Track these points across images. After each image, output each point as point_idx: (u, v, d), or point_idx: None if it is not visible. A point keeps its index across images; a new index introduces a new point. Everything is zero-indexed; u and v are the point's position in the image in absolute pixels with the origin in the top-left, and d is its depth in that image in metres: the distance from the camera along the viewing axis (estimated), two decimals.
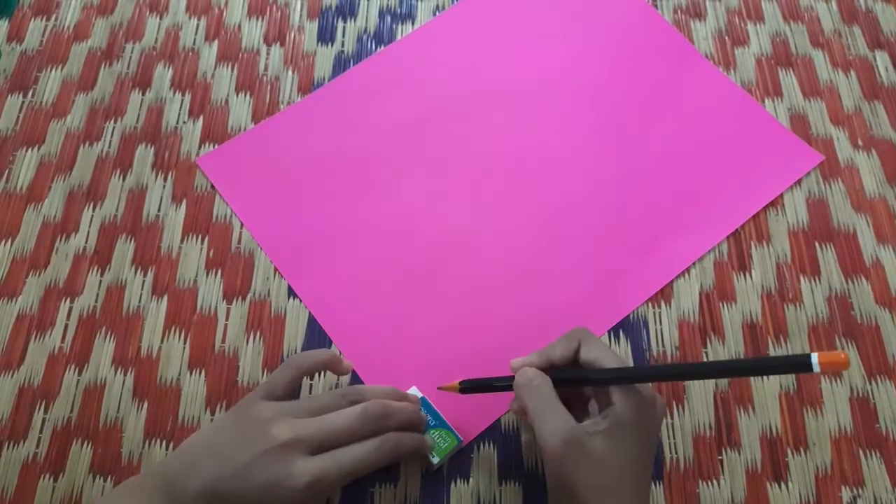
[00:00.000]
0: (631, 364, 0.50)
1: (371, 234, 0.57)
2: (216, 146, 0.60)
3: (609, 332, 0.54)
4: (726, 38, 0.65)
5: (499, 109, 0.62)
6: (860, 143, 0.61)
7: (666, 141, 0.60)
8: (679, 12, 0.66)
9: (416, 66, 0.64)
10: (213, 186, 0.58)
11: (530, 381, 0.43)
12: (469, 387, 0.48)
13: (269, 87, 0.63)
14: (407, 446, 0.46)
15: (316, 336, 0.53)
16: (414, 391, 0.50)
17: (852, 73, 0.64)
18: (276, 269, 0.55)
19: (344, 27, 0.66)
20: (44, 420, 0.50)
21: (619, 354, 0.53)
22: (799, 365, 0.34)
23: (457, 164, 0.59)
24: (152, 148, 0.60)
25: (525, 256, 0.56)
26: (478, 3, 0.66)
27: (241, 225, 0.57)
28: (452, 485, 0.49)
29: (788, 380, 0.52)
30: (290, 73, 0.63)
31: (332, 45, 0.65)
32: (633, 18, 0.66)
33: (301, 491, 0.40)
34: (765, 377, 0.52)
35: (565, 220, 0.57)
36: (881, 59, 0.64)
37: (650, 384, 0.43)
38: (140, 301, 0.54)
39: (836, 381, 0.52)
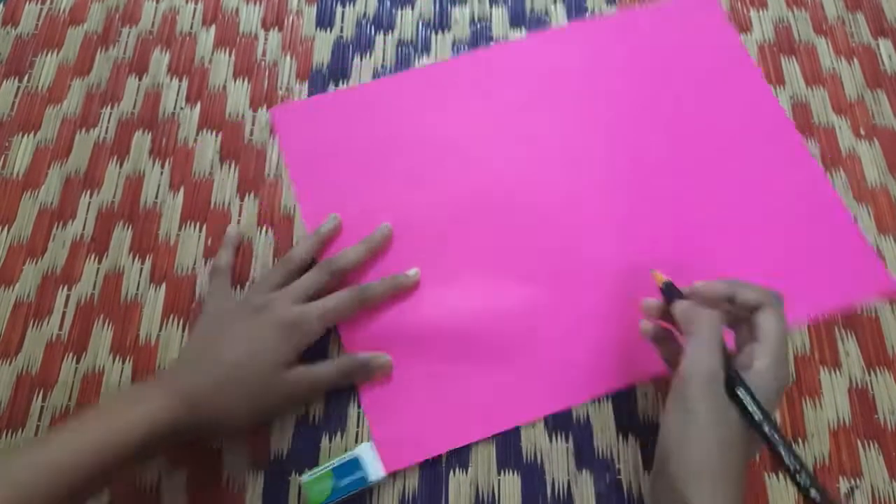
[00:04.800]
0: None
1: (426, 226, 0.56)
2: (215, 132, 0.59)
3: None
4: (729, 24, 0.64)
5: (578, 131, 0.60)
6: (862, 132, 0.60)
7: (737, 221, 0.57)
8: None
9: (507, 76, 0.62)
10: (272, 136, 0.59)
11: (709, 314, 0.43)
12: (668, 290, 0.47)
13: (267, 73, 0.62)
14: (374, 290, 0.52)
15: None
16: (365, 446, 0.48)
17: (855, 60, 0.63)
18: (275, 258, 0.55)
19: (343, 12, 0.65)
20: (42, 408, 0.50)
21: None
22: None
23: (532, 173, 0.58)
24: (149, 134, 0.59)
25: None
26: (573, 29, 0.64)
27: (289, 184, 0.57)
28: (451, 475, 0.49)
29: None
30: (288, 58, 0.63)
31: (330, 29, 0.64)
32: (720, 62, 0.63)
33: (291, 319, 0.48)
34: None
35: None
36: (885, 47, 0.64)
37: (786, 352, 0.42)
38: (138, 288, 0.54)
39: (835, 372, 0.52)
